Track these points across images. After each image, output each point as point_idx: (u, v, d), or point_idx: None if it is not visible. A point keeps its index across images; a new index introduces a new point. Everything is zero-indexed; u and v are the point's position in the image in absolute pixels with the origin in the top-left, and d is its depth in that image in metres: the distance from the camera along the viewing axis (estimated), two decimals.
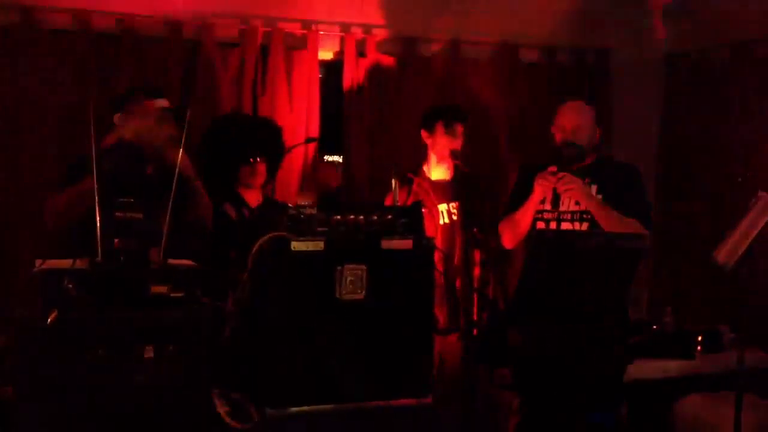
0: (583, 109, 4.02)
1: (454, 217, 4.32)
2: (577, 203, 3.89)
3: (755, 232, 3.87)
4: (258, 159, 4.01)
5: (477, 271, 3.93)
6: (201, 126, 4.19)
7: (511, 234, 4.00)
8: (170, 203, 2.58)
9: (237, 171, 4.02)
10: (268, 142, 4.15)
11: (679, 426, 4.60)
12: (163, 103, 3.65)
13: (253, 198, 4.06)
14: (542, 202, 3.94)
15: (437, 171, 4.40)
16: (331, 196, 4.61)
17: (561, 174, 3.82)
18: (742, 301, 3.97)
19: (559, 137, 3.97)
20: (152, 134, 3.50)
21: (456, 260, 4.21)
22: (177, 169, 2.68)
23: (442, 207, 4.33)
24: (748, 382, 4.03)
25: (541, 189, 3.86)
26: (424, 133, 4.41)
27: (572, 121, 3.95)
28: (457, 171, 4.39)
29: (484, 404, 3.83)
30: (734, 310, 4.22)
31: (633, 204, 3.83)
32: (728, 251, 3.91)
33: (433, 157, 4.39)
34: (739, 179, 4.80)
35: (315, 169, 4.85)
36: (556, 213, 3.94)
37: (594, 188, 3.89)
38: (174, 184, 2.61)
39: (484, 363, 3.54)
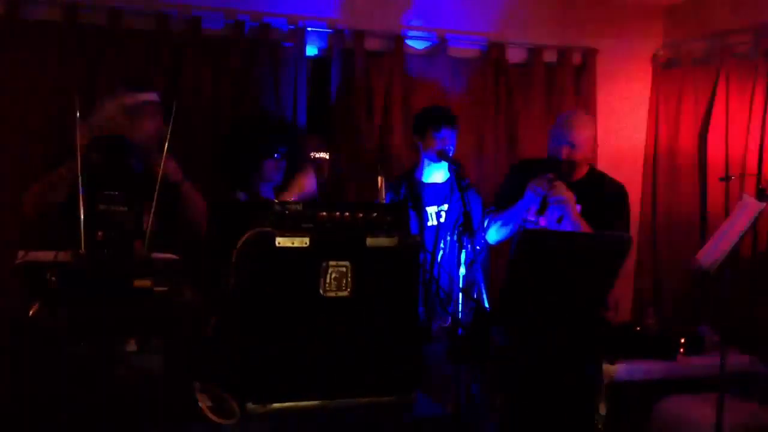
0: (583, 123, 4.01)
1: (442, 220, 4.33)
2: (558, 219, 3.90)
3: (738, 235, 3.89)
4: (283, 157, 4.04)
5: (462, 271, 3.92)
6: (186, 121, 4.18)
7: (496, 231, 4.02)
8: (154, 202, 2.57)
9: (258, 166, 4.04)
10: (294, 143, 4.20)
11: (661, 427, 4.62)
12: (149, 96, 3.63)
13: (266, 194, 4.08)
14: (527, 210, 3.94)
15: (429, 173, 4.40)
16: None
17: (557, 182, 3.83)
18: (724, 303, 3.99)
19: (553, 148, 3.95)
20: (120, 128, 3.47)
21: (441, 260, 4.21)
22: (161, 169, 2.67)
23: (431, 209, 4.34)
24: (730, 384, 4.05)
25: (532, 194, 3.87)
26: (415, 137, 4.42)
27: (570, 135, 3.94)
28: (451, 173, 4.38)
29: (467, 402, 3.82)
30: (716, 312, 4.25)
31: (613, 223, 3.84)
32: (711, 253, 3.94)
33: (425, 160, 4.39)
34: (724, 180, 4.82)
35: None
36: (537, 226, 3.94)
37: (579, 208, 3.90)
38: (158, 183, 2.60)
39: (467, 361, 3.53)
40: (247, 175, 4.07)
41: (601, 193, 3.96)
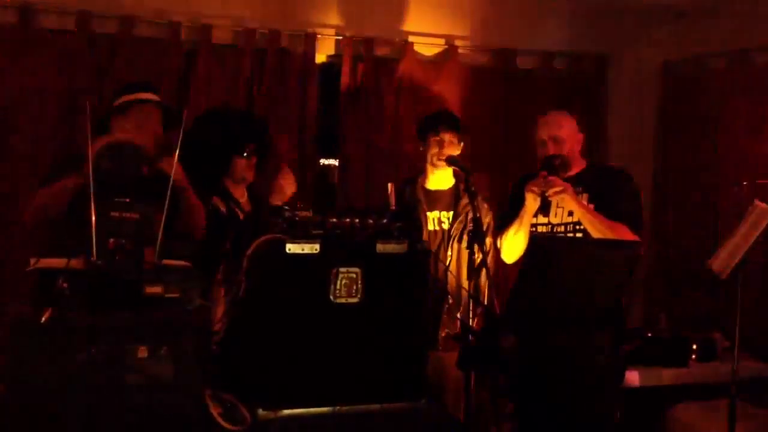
0: (559, 119, 3.99)
1: (444, 226, 4.31)
2: (569, 214, 3.88)
3: (750, 241, 3.88)
4: (254, 153, 4.00)
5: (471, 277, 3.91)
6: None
7: (510, 249, 3.98)
8: (165, 206, 2.57)
9: (229, 163, 3.99)
10: (263, 137, 4.13)
11: None
12: (152, 96, 3.60)
13: (239, 193, 4.04)
14: (535, 215, 3.93)
15: (433, 179, 4.38)
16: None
17: (551, 178, 3.80)
18: (736, 309, 3.98)
19: (539, 152, 3.95)
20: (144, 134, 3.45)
21: (446, 266, 4.20)
22: (172, 173, 2.67)
23: (433, 215, 4.31)
24: (741, 391, 4.03)
25: (531, 197, 3.84)
26: (420, 143, 4.39)
27: (549, 132, 3.93)
28: (457, 179, 4.36)
29: (477, 410, 3.82)
30: (728, 318, 4.23)
31: (622, 208, 3.81)
32: (723, 259, 3.92)
33: (429, 166, 4.37)
34: (736, 186, 4.81)
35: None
36: (549, 225, 3.92)
37: (585, 197, 3.88)
38: (169, 187, 2.61)
39: (477, 369, 3.53)
40: (218, 176, 3.99)
41: (604, 179, 3.93)
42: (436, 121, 4.32)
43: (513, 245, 3.95)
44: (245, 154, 3.96)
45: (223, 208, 3.92)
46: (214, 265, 3.20)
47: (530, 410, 3.79)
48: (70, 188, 3.21)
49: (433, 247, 4.21)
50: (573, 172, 3.93)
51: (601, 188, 3.88)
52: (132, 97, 3.53)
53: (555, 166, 3.87)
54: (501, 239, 4.02)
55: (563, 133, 3.94)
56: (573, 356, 3.53)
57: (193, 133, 4.01)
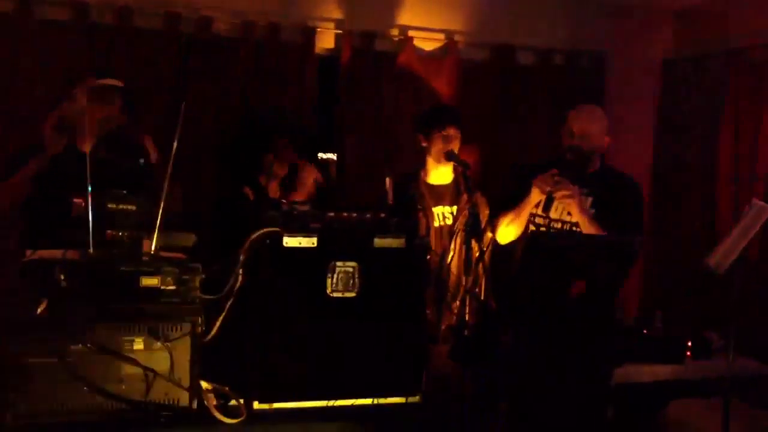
0: (595, 115, 4.00)
1: (448, 221, 4.31)
2: (569, 213, 3.89)
3: (748, 239, 3.88)
4: (287, 154, 4.07)
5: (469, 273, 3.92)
6: (195, 121, 4.21)
7: (505, 230, 4.01)
8: (162, 200, 2.57)
9: (264, 162, 4.05)
10: (299, 140, 4.20)
11: (667, 431, 4.61)
12: (112, 81, 3.59)
13: (272, 189, 4.09)
14: (536, 205, 3.94)
15: (435, 174, 4.37)
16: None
17: (559, 179, 3.81)
18: (732, 307, 3.98)
19: (566, 141, 3.96)
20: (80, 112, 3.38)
21: (448, 261, 4.20)
22: (171, 161, 2.66)
23: (438, 210, 4.31)
24: (736, 389, 4.04)
25: (537, 191, 3.85)
26: (419, 137, 4.38)
27: (582, 126, 3.93)
28: (456, 174, 4.36)
29: (471, 406, 3.82)
30: (724, 316, 4.23)
31: (624, 218, 3.83)
32: (720, 257, 3.92)
33: (430, 161, 4.37)
34: (734, 182, 4.81)
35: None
36: (547, 219, 3.93)
37: (590, 201, 3.89)
38: (168, 174, 2.60)
39: (472, 364, 3.53)
40: (253, 170, 4.08)
41: (613, 187, 3.95)
42: (442, 115, 4.31)
43: (507, 231, 3.98)
44: (281, 152, 4.05)
45: (251, 196, 3.99)
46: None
47: (523, 406, 3.79)
48: (30, 174, 3.22)
49: (440, 242, 4.21)
50: (587, 169, 3.94)
51: (607, 195, 3.89)
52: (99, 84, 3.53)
53: (575, 162, 3.87)
54: (498, 220, 4.04)
55: (593, 129, 3.93)
56: (566, 353, 3.53)
57: (233, 129, 4.13)
